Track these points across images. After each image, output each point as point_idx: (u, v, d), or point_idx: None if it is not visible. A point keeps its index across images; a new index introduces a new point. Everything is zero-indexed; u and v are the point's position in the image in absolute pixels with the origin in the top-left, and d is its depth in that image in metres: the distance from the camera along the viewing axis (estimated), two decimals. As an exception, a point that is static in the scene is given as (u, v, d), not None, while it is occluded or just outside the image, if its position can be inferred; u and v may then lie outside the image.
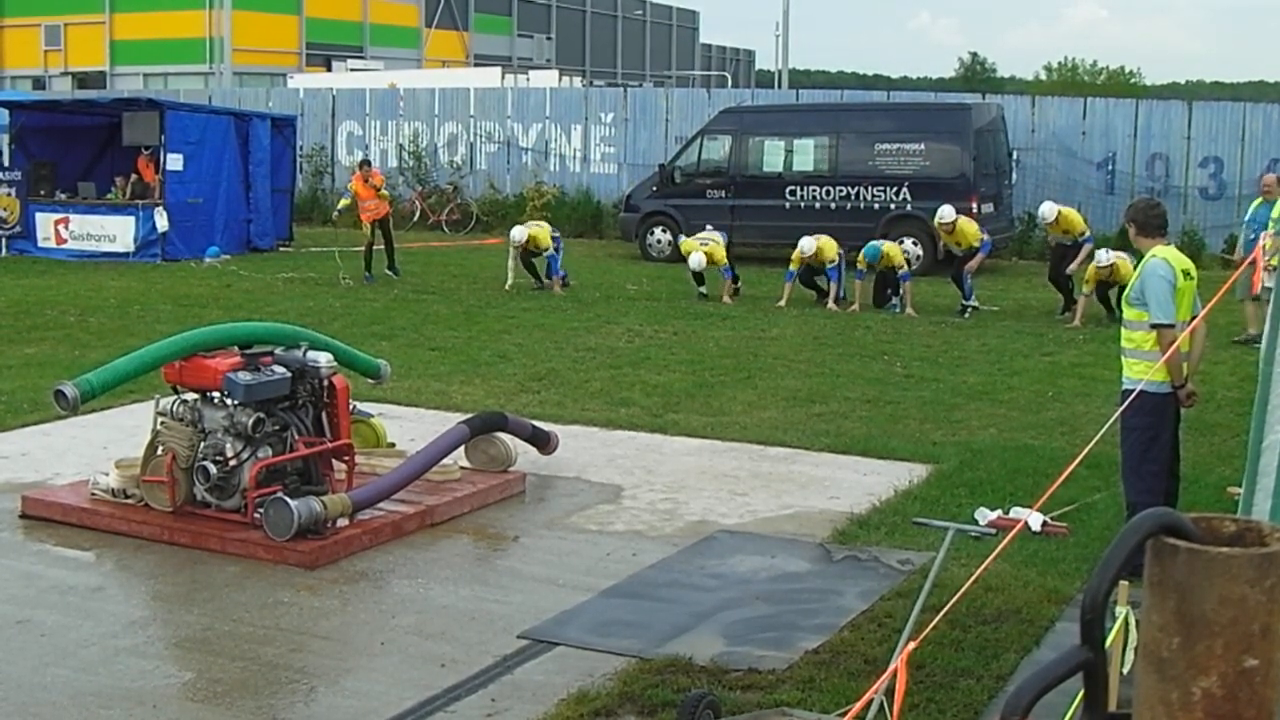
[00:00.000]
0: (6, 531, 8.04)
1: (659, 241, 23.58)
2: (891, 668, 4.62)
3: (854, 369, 13.47)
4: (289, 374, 8.04)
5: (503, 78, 35.04)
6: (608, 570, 7.47)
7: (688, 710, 5.05)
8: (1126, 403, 7.12)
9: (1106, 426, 6.71)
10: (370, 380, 9.81)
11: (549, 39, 60.29)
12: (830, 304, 17.76)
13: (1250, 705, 1.61)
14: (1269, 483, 4.23)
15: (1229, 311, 14.68)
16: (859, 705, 4.62)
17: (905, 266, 17.64)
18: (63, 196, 23.34)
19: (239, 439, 7.81)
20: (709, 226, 19.50)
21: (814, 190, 22.72)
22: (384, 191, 20.35)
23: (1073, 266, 16.92)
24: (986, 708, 5.65)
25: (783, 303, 17.82)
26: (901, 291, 17.51)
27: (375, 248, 19.97)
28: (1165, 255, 7.35)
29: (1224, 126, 23.99)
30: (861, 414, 11.41)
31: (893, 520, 8.21)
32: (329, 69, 44.56)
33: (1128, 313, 7.43)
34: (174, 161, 22.56)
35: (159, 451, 7.95)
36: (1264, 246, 11.32)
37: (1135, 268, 7.77)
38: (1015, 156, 24.24)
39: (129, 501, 8.11)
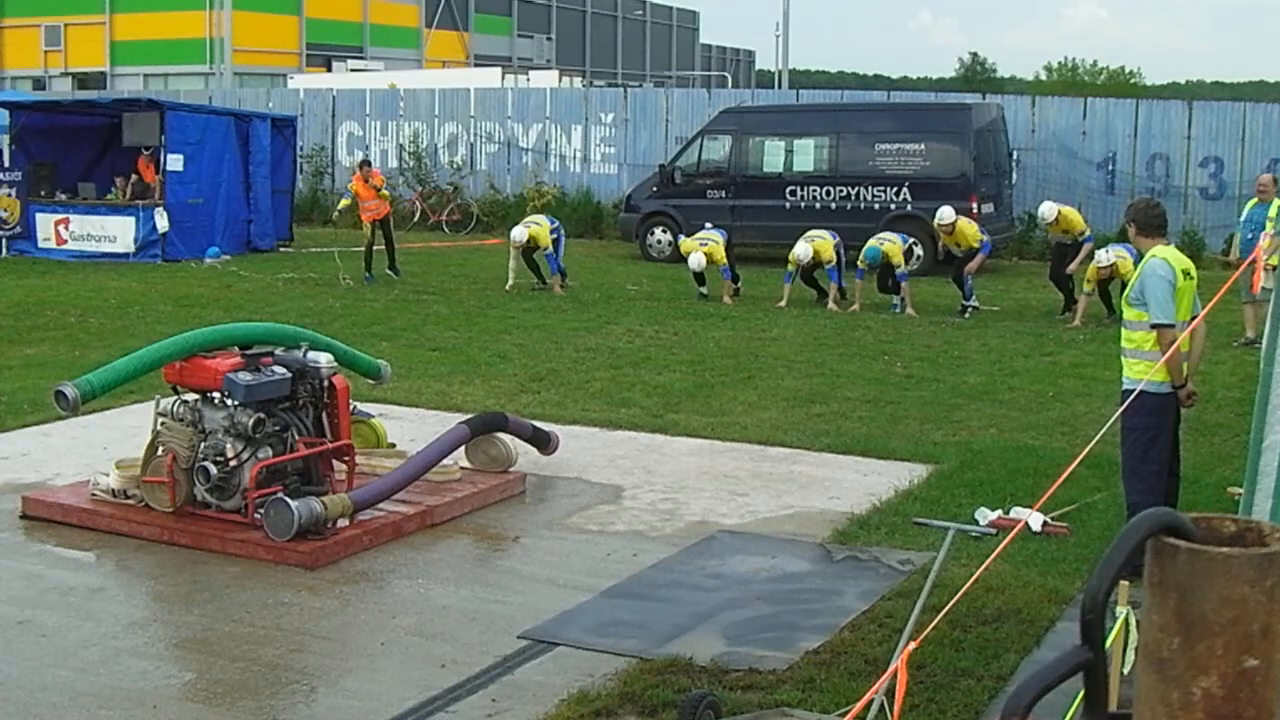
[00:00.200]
0: (7, 532, 8.04)
1: (659, 242, 23.57)
2: (892, 668, 4.62)
3: (854, 369, 13.47)
4: (289, 374, 8.05)
5: (503, 78, 35.01)
6: (608, 570, 7.47)
7: (688, 710, 5.05)
8: (1127, 403, 7.12)
9: (1106, 426, 6.71)
10: (370, 381, 9.82)
11: (549, 39, 60.29)
12: (830, 304, 17.78)
13: (1250, 705, 1.61)
14: (1269, 483, 4.23)
15: (1229, 312, 14.68)
16: (859, 705, 4.62)
17: (904, 265, 17.64)
18: (63, 197, 23.34)
19: (239, 439, 7.81)
20: (708, 225, 19.49)
21: (814, 190, 22.72)
22: (384, 192, 20.35)
23: (1073, 266, 16.94)
24: (987, 708, 5.65)
25: (783, 303, 17.83)
26: (901, 291, 17.52)
27: (375, 248, 19.97)
28: (1165, 255, 7.35)
29: (1224, 126, 23.99)
30: (862, 414, 11.41)
31: (893, 520, 8.22)
32: (329, 69, 44.52)
33: (1128, 313, 7.43)
34: (174, 162, 22.56)
35: (159, 452, 7.95)
36: (1263, 247, 11.31)
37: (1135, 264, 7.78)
38: (1015, 156, 24.23)
39: (129, 502, 8.12)
